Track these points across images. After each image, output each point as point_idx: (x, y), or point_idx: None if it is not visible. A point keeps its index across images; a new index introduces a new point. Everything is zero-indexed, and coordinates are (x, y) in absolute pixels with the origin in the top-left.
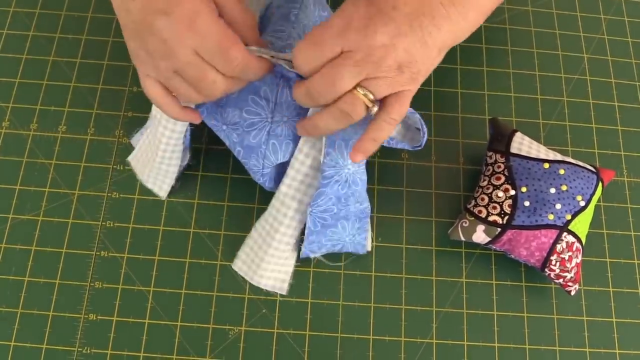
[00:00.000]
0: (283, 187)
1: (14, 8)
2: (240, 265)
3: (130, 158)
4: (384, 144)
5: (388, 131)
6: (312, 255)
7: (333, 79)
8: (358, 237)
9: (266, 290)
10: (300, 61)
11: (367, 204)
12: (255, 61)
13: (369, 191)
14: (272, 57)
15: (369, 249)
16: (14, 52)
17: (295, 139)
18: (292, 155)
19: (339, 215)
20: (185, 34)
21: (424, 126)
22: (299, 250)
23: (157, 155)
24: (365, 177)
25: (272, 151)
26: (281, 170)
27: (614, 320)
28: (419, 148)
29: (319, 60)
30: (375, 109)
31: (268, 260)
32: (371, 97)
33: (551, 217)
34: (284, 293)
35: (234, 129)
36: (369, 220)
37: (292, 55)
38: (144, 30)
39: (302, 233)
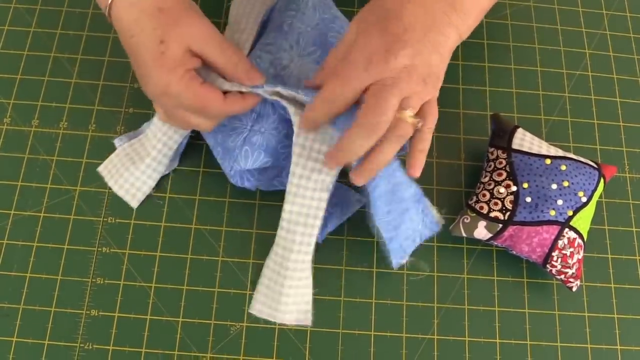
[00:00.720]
0: (285, 215)
1: (15, 4)
2: (259, 307)
3: (100, 168)
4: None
5: (430, 139)
6: (402, 261)
7: (383, 108)
8: (427, 220)
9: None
10: (330, 96)
11: (415, 186)
12: (235, 106)
13: None
14: (273, 92)
15: (442, 221)
16: (15, 48)
17: (268, 150)
18: (260, 163)
19: (400, 209)
20: (163, 98)
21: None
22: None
23: (141, 165)
24: (397, 164)
25: (244, 156)
26: (253, 172)
27: (615, 316)
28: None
29: (351, 95)
30: (421, 123)
31: (287, 293)
32: (412, 114)
33: (553, 213)
34: (309, 324)
35: (220, 130)
36: (426, 199)
37: (320, 92)
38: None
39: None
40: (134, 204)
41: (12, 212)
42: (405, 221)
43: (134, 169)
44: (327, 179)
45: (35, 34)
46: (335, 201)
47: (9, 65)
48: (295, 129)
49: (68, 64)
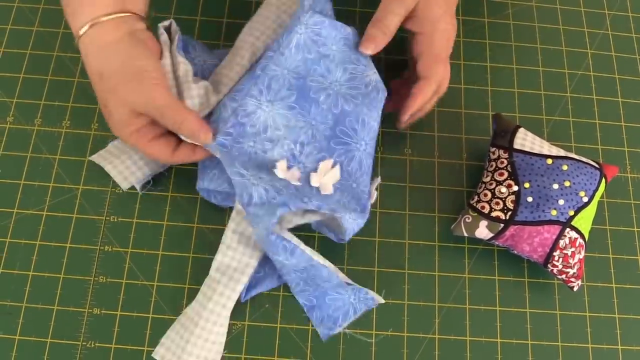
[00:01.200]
0: (214, 263)
1: (17, 4)
2: (163, 352)
3: (94, 156)
4: (313, 227)
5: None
6: (333, 332)
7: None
8: (361, 294)
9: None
10: (442, 72)
11: (336, 278)
12: (184, 159)
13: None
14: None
15: (382, 300)
16: (18, 47)
17: (223, 173)
18: (217, 185)
19: (316, 291)
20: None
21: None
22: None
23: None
24: (314, 261)
25: (203, 172)
26: (219, 196)
27: (616, 316)
28: (343, 241)
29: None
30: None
31: (194, 343)
32: None
33: (554, 213)
34: None
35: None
36: (354, 286)
37: (419, 95)
38: None
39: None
40: (125, 185)
41: (15, 210)
42: (326, 300)
43: (133, 154)
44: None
45: (38, 32)
46: (271, 265)
47: (12, 64)
48: (237, 189)
49: (70, 63)
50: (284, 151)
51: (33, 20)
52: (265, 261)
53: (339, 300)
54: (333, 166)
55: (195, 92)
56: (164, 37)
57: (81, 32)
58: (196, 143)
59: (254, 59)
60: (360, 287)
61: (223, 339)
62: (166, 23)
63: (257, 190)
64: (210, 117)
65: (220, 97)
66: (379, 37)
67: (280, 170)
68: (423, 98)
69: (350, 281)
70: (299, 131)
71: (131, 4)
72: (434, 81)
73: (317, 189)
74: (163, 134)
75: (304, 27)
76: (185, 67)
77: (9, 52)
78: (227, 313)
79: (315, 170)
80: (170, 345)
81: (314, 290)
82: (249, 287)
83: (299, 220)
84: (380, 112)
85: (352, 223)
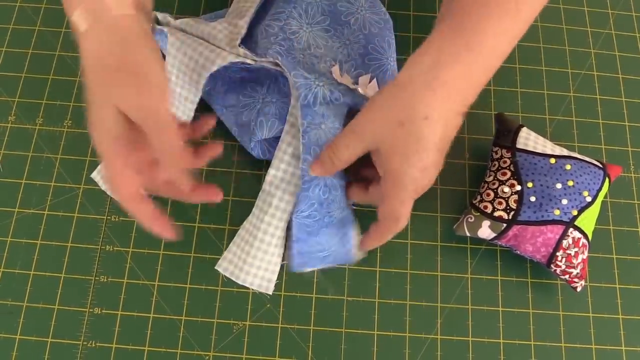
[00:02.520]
0: (268, 177)
1: (20, 3)
2: (226, 265)
3: (94, 174)
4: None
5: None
6: (302, 270)
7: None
8: (344, 247)
9: (252, 289)
10: (404, 221)
11: (349, 212)
12: (139, 214)
13: None
14: (254, 61)
15: (361, 255)
16: (20, 46)
17: (281, 118)
18: (276, 131)
19: (322, 222)
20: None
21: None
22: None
23: None
24: (344, 183)
25: (259, 127)
26: (273, 143)
27: (620, 317)
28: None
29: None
30: None
31: (254, 255)
32: None
33: (557, 212)
34: (270, 293)
35: (231, 111)
36: (353, 228)
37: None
38: None
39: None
40: None
41: (16, 210)
42: (320, 234)
43: None
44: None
45: (40, 32)
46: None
47: (14, 63)
48: (292, 100)
49: (72, 63)
50: (327, 67)
51: (35, 19)
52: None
53: (321, 244)
54: (370, 80)
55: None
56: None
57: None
58: (247, 60)
59: None
60: (353, 236)
61: (281, 251)
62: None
63: (322, 90)
64: (250, 38)
65: (247, 20)
66: (327, 164)
67: (336, 75)
68: (381, 240)
69: (355, 229)
70: (337, 50)
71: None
72: (395, 224)
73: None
74: (133, 169)
75: None
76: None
77: (10, 51)
78: (282, 225)
79: (356, 84)
80: (232, 258)
81: (317, 221)
82: (301, 264)
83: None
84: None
85: None
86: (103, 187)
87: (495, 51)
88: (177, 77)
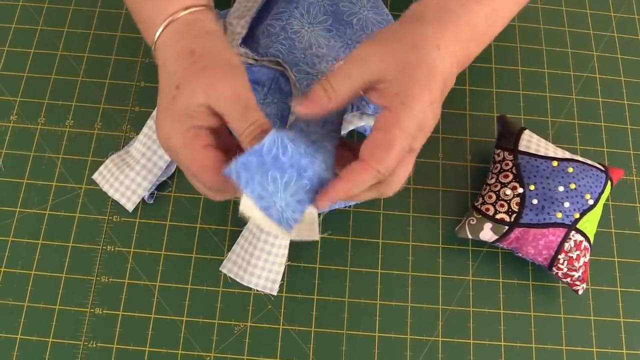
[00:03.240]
0: None
1: (22, 2)
2: (230, 266)
3: (95, 175)
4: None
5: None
6: (231, 176)
7: (403, 181)
8: (289, 212)
9: (256, 290)
10: (391, 163)
11: (330, 176)
12: (226, 184)
13: None
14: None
15: (316, 238)
16: (23, 46)
17: (283, 119)
18: None
19: (280, 160)
20: (165, 150)
21: None
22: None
23: (136, 166)
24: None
25: None
26: None
27: (621, 320)
28: None
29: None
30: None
31: (258, 256)
32: None
33: (559, 215)
34: (274, 294)
35: None
36: (314, 205)
37: (386, 157)
38: None
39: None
40: (129, 206)
41: (18, 209)
42: (269, 173)
43: (129, 171)
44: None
45: (42, 31)
46: None
47: (16, 62)
48: (293, 104)
49: (75, 62)
50: (329, 66)
51: (37, 19)
52: None
53: (267, 188)
54: None
55: None
56: None
57: (179, 16)
58: (248, 60)
59: None
60: (314, 220)
61: (286, 251)
62: None
63: None
64: (252, 38)
65: (248, 20)
66: (320, 99)
67: None
68: (351, 186)
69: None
70: (338, 50)
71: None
72: (374, 170)
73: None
74: (216, 147)
75: None
76: None
77: (13, 50)
78: None
79: None
80: (236, 259)
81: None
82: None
83: (358, 122)
84: None
85: None
86: (104, 188)
87: (504, 10)
88: None
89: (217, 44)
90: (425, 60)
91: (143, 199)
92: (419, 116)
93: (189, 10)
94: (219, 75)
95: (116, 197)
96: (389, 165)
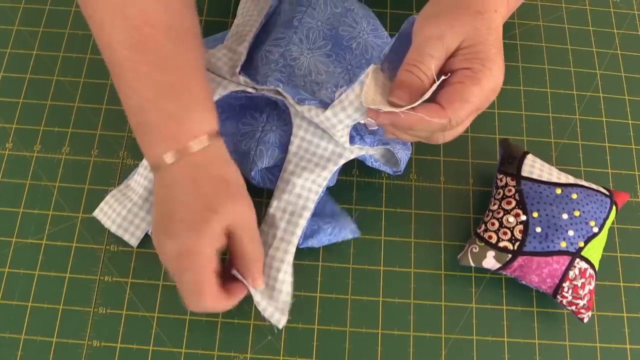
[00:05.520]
0: (270, 210)
1: (17, 27)
2: (264, 305)
3: (96, 212)
4: (368, 163)
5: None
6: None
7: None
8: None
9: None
10: (463, 116)
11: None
12: (223, 305)
13: (376, 213)
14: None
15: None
16: (18, 71)
17: (282, 146)
18: (277, 160)
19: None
20: (175, 259)
21: (403, 155)
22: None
23: (139, 201)
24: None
25: (259, 156)
26: (273, 170)
27: (628, 346)
28: (399, 173)
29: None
30: None
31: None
32: None
33: (563, 244)
34: (280, 327)
35: (230, 139)
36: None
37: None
38: None
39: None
40: (134, 242)
41: (14, 239)
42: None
43: (131, 205)
44: (318, 179)
45: (37, 56)
46: (330, 221)
47: (11, 88)
48: (294, 128)
49: (71, 87)
50: (328, 93)
51: (33, 43)
52: (324, 216)
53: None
54: None
55: None
56: None
57: (200, 142)
58: (248, 88)
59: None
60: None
61: (291, 281)
62: None
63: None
64: (251, 64)
65: (246, 45)
66: (415, 83)
67: None
68: (422, 122)
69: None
70: (338, 76)
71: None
72: (446, 118)
73: (364, 125)
74: (218, 275)
75: None
76: None
77: (8, 76)
78: (290, 258)
79: None
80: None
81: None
82: (306, 238)
83: (359, 152)
84: None
85: (402, 153)
86: (106, 224)
87: None
88: None
89: (239, 175)
90: (492, 25)
91: (147, 233)
92: (496, 76)
93: (207, 138)
94: (242, 203)
95: (119, 233)
96: (460, 117)
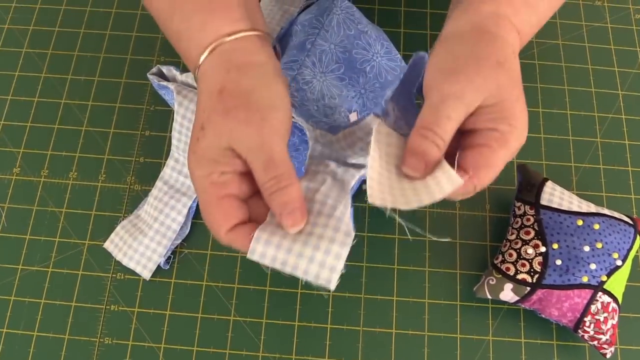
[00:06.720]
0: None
1: (26, 49)
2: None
3: (107, 244)
4: None
5: None
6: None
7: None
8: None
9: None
10: (489, 181)
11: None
12: (241, 242)
13: (389, 242)
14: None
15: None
16: (26, 94)
17: (297, 171)
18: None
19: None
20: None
21: None
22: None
23: (150, 232)
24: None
25: None
26: None
27: None
28: None
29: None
30: None
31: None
32: None
33: (585, 278)
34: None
35: None
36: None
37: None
38: None
39: None
40: (146, 274)
41: (20, 267)
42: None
43: (142, 237)
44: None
45: (46, 79)
46: None
47: (19, 112)
48: (310, 151)
49: (78, 111)
50: (341, 117)
51: (41, 66)
52: None
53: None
54: None
55: None
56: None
57: (215, 44)
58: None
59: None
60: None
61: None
62: (154, 70)
63: None
64: None
65: None
66: (431, 151)
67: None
68: (460, 194)
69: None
70: (351, 100)
71: (260, 24)
72: (472, 186)
73: None
74: (236, 199)
75: (339, 9)
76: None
77: (16, 99)
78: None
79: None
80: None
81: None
82: None
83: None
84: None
85: None
86: (117, 257)
87: (546, 11)
88: (187, 136)
89: (253, 81)
90: (514, 77)
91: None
92: (523, 133)
93: (234, 37)
94: (245, 119)
95: (131, 265)
96: (486, 183)
